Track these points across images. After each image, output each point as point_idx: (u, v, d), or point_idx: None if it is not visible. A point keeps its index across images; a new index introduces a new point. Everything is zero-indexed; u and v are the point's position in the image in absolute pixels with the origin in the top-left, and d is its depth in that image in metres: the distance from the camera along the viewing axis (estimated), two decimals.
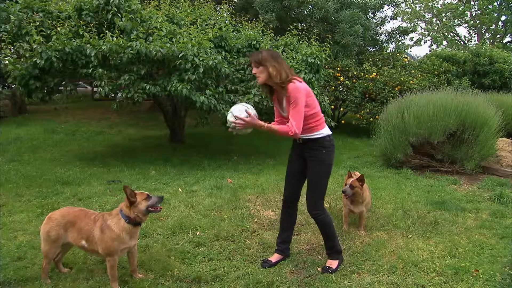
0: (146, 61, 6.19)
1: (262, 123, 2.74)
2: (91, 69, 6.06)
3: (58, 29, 6.15)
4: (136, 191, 2.60)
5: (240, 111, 2.70)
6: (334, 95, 10.52)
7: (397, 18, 16.51)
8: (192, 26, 7.01)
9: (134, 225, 2.59)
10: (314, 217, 2.95)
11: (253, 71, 2.76)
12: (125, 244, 2.60)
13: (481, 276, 2.83)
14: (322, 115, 2.87)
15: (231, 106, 2.90)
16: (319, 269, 2.94)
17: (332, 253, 3.01)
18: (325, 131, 2.83)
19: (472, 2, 26.74)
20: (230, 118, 2.74)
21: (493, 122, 6.15)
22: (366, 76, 10.62)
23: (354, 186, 3.48)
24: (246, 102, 2.80)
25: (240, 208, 4.32)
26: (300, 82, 2.71)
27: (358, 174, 3.74)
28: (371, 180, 5.30)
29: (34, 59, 5.91)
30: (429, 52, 17.33)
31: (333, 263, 2.97)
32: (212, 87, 6.33)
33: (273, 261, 3.04)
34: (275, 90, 2.84)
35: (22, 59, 6.25)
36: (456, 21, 27.61)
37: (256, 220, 3.98)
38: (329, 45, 7.89)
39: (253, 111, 2.74)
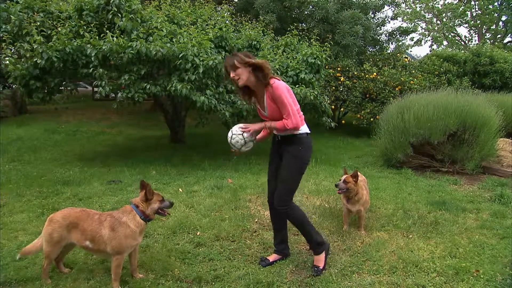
0: (147, 61, 6.19)
1: (262, 124, 2.80)
2: (92, 69, 6.07)
3: (59, 29, 6.16)
4: (154, 191, 2.73)
5: (238, 127, 2.82)
6: (335, 95, 10.52)
7: (398, 18, 16.53)
8: (192, 26, 7.02)
9: (146, 221, 2.67)
10: (280, 211, 2.90)
11: (231, 76, 2.72)
12: (136, 240, 2.64)
13: (481, 276, 2.83)
14: (302, 113, 2.87)
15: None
16: (311, 273, 2.91)
17: (313, 246, 2.98)
18: (304, 128, 2.84)
19: (472, 2, 26.74)
20: (234, 131, 2.81)
21: (494, 122, 6.14)
22: (366, 76, 10.62)
23: (348, 181, 3.49)
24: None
25: (240, 208, 4.32)
26: (279, 80, 2.73)
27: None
28: (371, 180, 5.29)
29: (35, 59, 5.92)
30: (429, 52, 17.33)
31: (319, 260, 2.94)
32: (213, 87, 6.33)
33: (270, 260, 3.06)
34: (253, 92, 2.84)
35: (22, 59, 6.25)
36: (456, 21, 27.61)
37: (256, 220, 3.98)
38: (329, 46, 7.90)
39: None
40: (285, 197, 2.86)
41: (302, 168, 2.88)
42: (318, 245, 2.98)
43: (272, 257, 3.09)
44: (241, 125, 2.83)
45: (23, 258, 2.90)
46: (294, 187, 2.90)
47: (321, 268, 2.91)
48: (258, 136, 2.99)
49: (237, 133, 2.80)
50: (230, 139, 2.82)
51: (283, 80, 2.80)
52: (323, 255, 2.97)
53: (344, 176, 3.53)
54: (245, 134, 2.79)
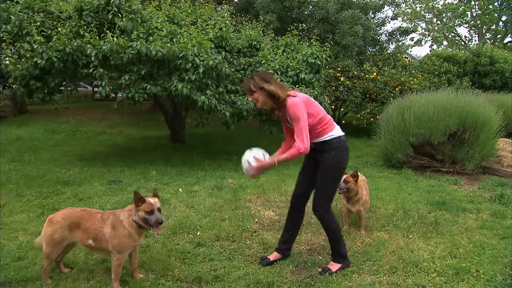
0: (147, 61, 6.19)
1: (272, 161, 2.73)
2: (92, 69, 6.07)
3: (59, 29, 6.16)
4: (147, 199, 2.57)
5: (253, 158, 2.76)
6: (335, 95, 10.52)
7: (398, 18, 16.55)
8: (192, 26, 7.02)
9: (138, 226, 2.59)
10: (318, 218, 2.95)
11: (249, 99, 2.77)
12: (134, 241, 2.62)
13: (481, 276, 2.83)
14: (330, 117, 2.84)
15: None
16: (319, 269, 2.94)
17: (336, 255, 2.98)
18: (335, 132, 2.80)
19: (472, 2, 26.74)
20: (247, 163, 2.79)
21: (494, 122, 6.14)
22: (366, 76, 10.62)
23: (348, 181, 3.49)
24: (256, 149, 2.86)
25: (240, 208, 4.32)
26: (295, 96, 2.70)
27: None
28: (371, 180, 5.29)
29: (35, 59, 5.92)
30: (429, 52, 17.33)
31: (333, 266, 2.94)
32: (213, 87, 6.33)
33: (270, 259, 3.06)
34: (277, 109, 2.82)
35: (23, 59, 6.26)
36: (456, 21, 27.61)
37: (256, 220, 3.98)
38: (329, 46, 7.89)
39: (265, 156, 2.77)
40: (323, 204, 2.87)
41: (338, 175, 2.91)
42: (340, 257, 2.97)
43: (273, 256, 3.10)
44: (257, 157, 2.76)
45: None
46: (331, 194, 2.90)
47: (332, 271, 2.89)
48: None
49: (245, 160, 2.79)
50: (243, 163, 2.83)
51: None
52: (340, 265, 2.95)
53: (344, 176, 3.53)
54: (250, 166, 2.76)
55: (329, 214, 2.90)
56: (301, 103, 2.65)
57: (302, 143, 2.60)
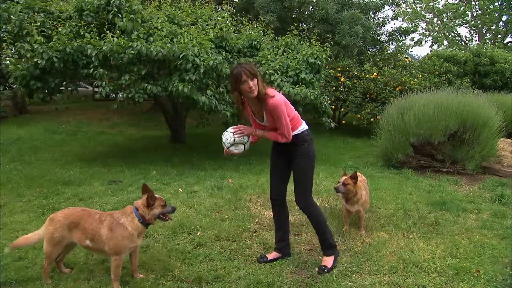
0: (147, 61, 6.19)
1: (252, 129, 2.94)
2: (92, 69, 6.07)
3: (59, 29, 6.17)
4: (156, 195, 2.68)
5: (231, 127, 2.95)
6: (335, 96, 10.52)
7: (398, 18, 16.58)
8: (192, 26, 7.02)
9: (145, 225, 2.64)
10: (303, 210, 3.04)
11: (250, 84, 2.66)
12: (134, 243, 2.63)
13: (482, 276, 2.83)
14: (297, 112, 2.98)
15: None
16: (316, 269, 2.94)
17: (325, 247, 3.05)
18: (303, 126, 2.95)
19: (473, 2, 26.74)
20: (227, 129, 2.93)
21: (494, 122, 6.14)
22: (366, 76, 10.62)
23: (347, 183, 3.49)
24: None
25: (241, 208, 4.32)
26: (275, 95, 2.75)
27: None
28: (372, 181, 5.29)
29: (35, 60, 5.93)
30: (430, 52, 17.33)
31: (328, 261, 2.99)
32: (213, 87, 6.33)
33: (269, 258, 3.09)
34: (249, 102, 2.87)
35: (23, 60, 6.26)
36: (457, 21, 27.62)
37: (257, 220, 3.98)
38: (329, 46, 7.89)
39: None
40: (307, 194, 2.99)
41: (313, 163, 3.00)
42: (330, 248, 3.06)
43: (271, 255, 3.12)
44: (235, 126, 2.94)
45: (12, 252, 2.95)
46: (311, 183, 3.03)
47: (329, 267, 2.94)
48: None
49: (228, 131, 2.91)
50: (222, 136, 2.94)
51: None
52: (332, 257, 3.03)
53: (343, 178, 3.52)
54: (236, 136, 2.87)
55: (313, 205, 3.02)
56: (283, 101, 2.77)
57: (287, 134, 2.79)
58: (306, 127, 2.98)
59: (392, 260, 3.10)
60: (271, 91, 2.77)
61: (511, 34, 26.04)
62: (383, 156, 6.75)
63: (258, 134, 2.92)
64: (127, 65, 6.11)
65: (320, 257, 3.14)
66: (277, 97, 2.74)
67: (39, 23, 6.24)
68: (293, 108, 2.95)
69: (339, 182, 3.54)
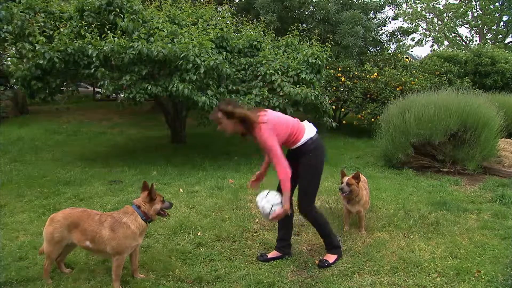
0: (148, 62, 6.19)
1: (286, 209, 2.78)
2: (93, 69, 6.08)
3: (60, 29, 6.17)
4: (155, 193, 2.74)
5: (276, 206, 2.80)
6: (335, 96, 10.51)
7: (399, 18, 16.53)
8: (193, 26, 7.02)
9: (148, 222, 2.69)
10: (305, 216, 3.07)
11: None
12: (136, 241, 2.65)
13: (482, 277, 2.83)
14: (298, 123, 2.95)
15: None
16: (316, 261, 3.00)
17: (330, 248, 3.10)
18: (306, 137, 2.91)
19: (473, 3, 26.72)
20: (264, 207, 2.83)
21: (495, 122, 6.13)
22: (367, 76, 10.61)
23: (351, 183, 3.49)
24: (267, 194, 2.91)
25: (241, 208, 4.32)
26: (265, 122, 2.72)
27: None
28: (372, 181, 5.29)
29: (37, 60, 5.93)
30: (430, 53, 17.34)
31: (330, 257, 3.05)
32: (214, 88, 6.33)
33: (268, 257, 3.11)
34: (249, 133, 2.87)
35: (24, 60, 6.26)
36: (457, 21, 27.60)
37: (257, 220, 3.98)
38: (330, 46, 7.89)
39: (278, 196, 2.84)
40: (308, 202, 3.01)
41: (318, 172, 2.99)
42: (335, 248, 3.10)
43: (271, 254, 3.14)
44: (273, 213, 2.80)
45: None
46: (315, 191, 3.04)
47: (330, 262, 2.99)
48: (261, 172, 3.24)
49: (268, 207, 2.82)
50: (260, 202, 2.87)
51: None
52: (336, 256, 3.08)
53: (347, 178, 3.51)
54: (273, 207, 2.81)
55: (315, 211, 3.05)
56: (270, 131, 2.72)
57: (284, 170, 2.71)
58: (311, 135, 2.94)
59: (393, 260, 3.10)
60: (262, 118, 2.73)
61: None
62: (383, 156, 6.74)
63: (287, 203, 2.76)
64: (128, 65, 6.11)
65: (321, 257, 3.14)
66: (262, 127, 2.70)
67: (40, 24, 6.24)
68: (289, 120, 2.91)
69: (342, 183, 3.53)
